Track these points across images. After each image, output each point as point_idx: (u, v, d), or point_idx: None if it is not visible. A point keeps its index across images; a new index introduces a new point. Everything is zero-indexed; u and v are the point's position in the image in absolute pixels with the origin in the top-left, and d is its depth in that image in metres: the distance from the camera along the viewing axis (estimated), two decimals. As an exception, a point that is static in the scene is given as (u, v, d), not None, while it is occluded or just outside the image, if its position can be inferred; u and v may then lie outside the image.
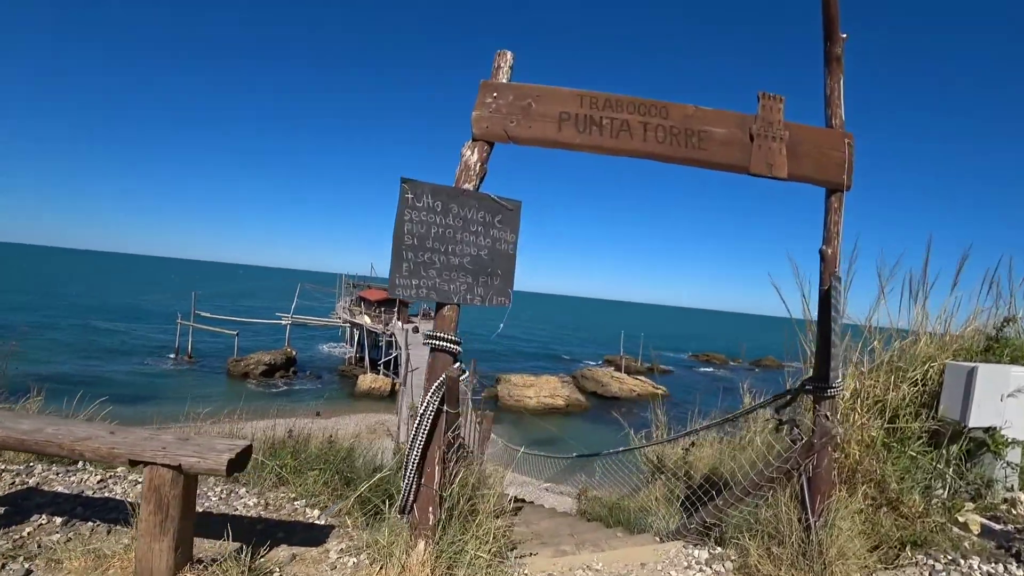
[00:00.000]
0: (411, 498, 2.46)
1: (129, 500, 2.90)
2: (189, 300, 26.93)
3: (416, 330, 31.93)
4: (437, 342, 2.51)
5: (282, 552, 2.60)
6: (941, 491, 3.15)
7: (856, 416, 3.19)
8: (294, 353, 28.09)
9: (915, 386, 3.46)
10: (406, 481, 2.43)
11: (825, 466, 2.68)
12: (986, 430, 3.23)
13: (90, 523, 2.71)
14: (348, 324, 32.03)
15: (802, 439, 2.76)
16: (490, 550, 2.51)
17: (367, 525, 2.84)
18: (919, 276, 3.78)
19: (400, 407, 12.89)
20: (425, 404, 2.44)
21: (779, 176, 2.74)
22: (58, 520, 2.69)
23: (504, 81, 2.75)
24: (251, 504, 3.19)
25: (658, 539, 3.38)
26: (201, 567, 2.18)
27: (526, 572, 2.73)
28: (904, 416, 3.30)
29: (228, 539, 2.47)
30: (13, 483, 3.07)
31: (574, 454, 6.09)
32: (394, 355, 26.06)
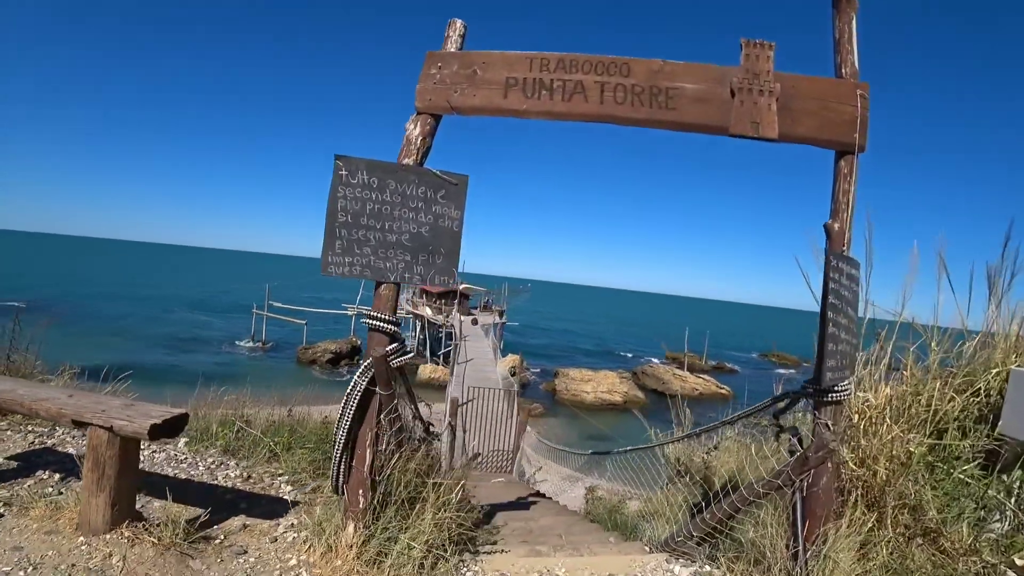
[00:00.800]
0: (340, 478, 2.40)
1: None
2: (263, 291, 29.25)
3: (475, 322, 32.49)
4: (372, 322, 2.43)
5: (237, 521, 2.65)
6: (998, 524, 2.56)
7: (887, 428, 2.61)
8: (359, 342, 29.55)
9: (976, 396, 2.78)
10: (333, 460, 2.38)
11: (823, 485, 2.27)
12: None
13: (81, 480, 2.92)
14: (410, 315, 33.16)
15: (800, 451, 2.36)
16: (427, 541, 2.39)
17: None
18: (994, 263, 2.93)
19: (447, 396, 13.13)
20: (352, 384, 2.37)
21: (768, 136, 2.35)
22: (57, 476, 2.90)
23: (452, 50, 2.61)
24: (233, 476, 3.30)
25: (647, 549, 3.10)
26: (140, 525, 2.24)
27: (476, 569, 2.59)
28: (952, 432, 2.67)
29: (195, 506, 2.57)
30: (33, 443, 3.37)
31: (590, 451, 5.82)
32: (453, 346, 26.68)
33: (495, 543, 3.17)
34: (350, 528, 2.33)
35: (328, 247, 2.45)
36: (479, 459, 11.08)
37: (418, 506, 2.50)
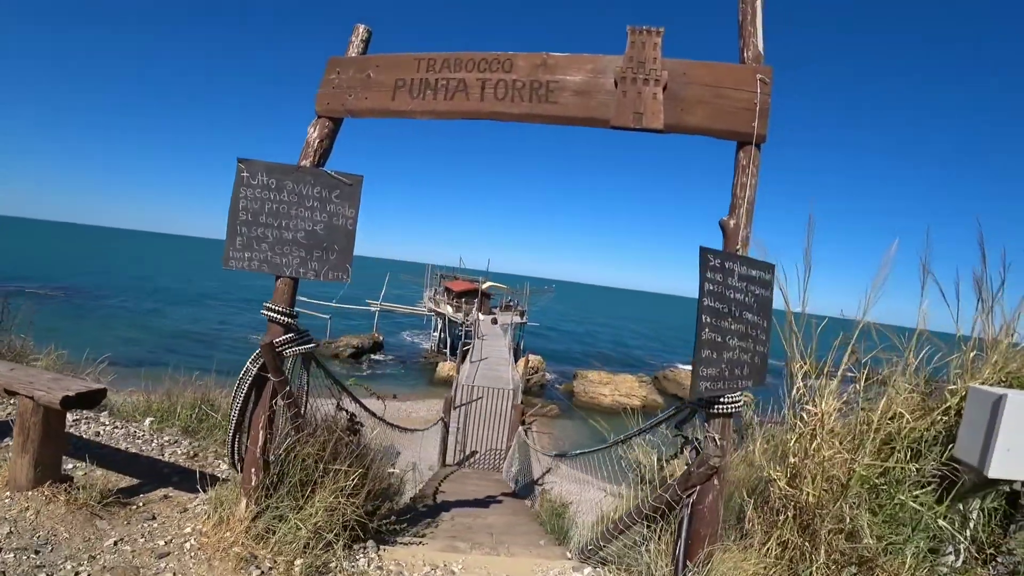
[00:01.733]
0: (235, 456, 2.59)
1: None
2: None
3: (495, 321, 32.68)
4: (268, 313, 2.60)
5: (162, 492, 2.87)
6: (951, 558, 2.39)
7: (825, 445, 2.39)
8: (381, 338, 30.25)
9: (946, 415, 2.53)
10: (228, 438, 2.56)
11: (708, 503, 2.20)
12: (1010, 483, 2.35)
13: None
14: (432, 313, 33.67)
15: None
16: (316, 524, 2.52)
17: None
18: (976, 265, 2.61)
19: (451, 394, 13.33)
20: (244, 370, 2.54)
21: (652, 127, 2.30)
22: (6, 442, 3.14)
23: (352, 55, 2.75)
24: (180, 453, 3.56)
25: (568, 556, 3.14)
26: (61, 486, 2.48)
27: (373, 557, 2.71)
28: (900, 452, 2.46)
29: (133, 476, 2.82)
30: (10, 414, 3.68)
31: (553, 452, 5.87)
32: (469, 344, 26.96)
33: (421, 536, 3.30)
34: (242, 503, 2.51)
35: (230, 243, 2.64)
36: (476, 457, 11.28)
37: (309, 489, 2.65)
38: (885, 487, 2.39)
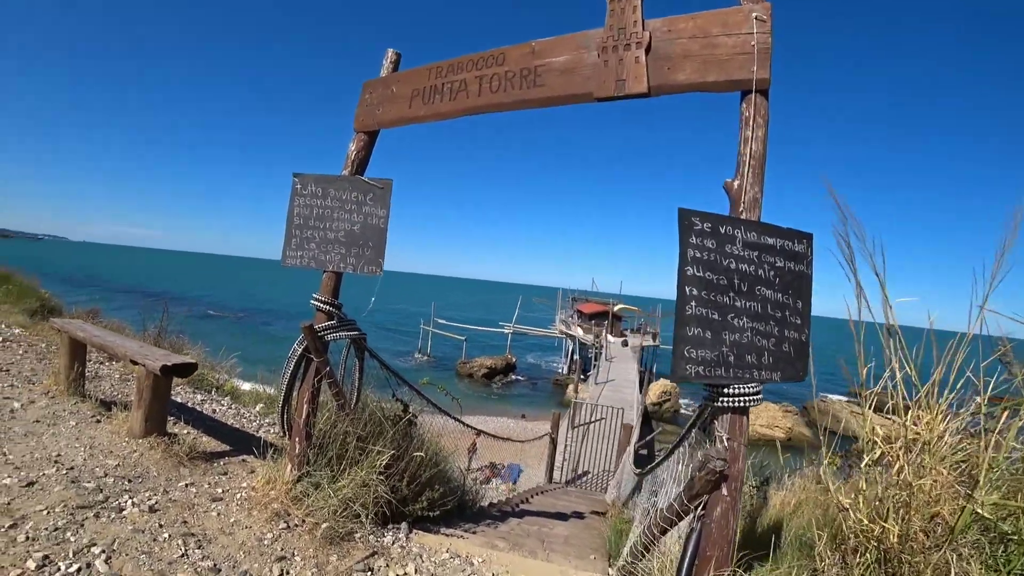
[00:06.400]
0: (284, 426, 3.00)
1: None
2: (430, 308, 33.16)
3: (625, 343, 31.66)
4: (315, 302, 3.00)
5: (242, 457, 3.37)
6: None
7: (927, 471, 1.83)
8: (513, 360, 31.29)
9: None
10: (278, 409, 2.99)
11: (716, 518, 1.88)
12: None
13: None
14: (564, 335, 33.88)
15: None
16: (345, 495, 2.78)
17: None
18: None
19: (571, 410, 13.25)
20: (291, 350, 2.95)
21: (636, 92, 2.17)
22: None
23: (383, 76, 3.12)
24: (273, 432, 4.19)
25: (609, 571, 2.98)
26: (164, 439, 3.13)
27: (400, 537, 2.86)
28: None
29: (229, 444, 3.45)
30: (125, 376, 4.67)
31: (638, 470, 5.48)
32: (594, 366, 26.44)
33: (469, 531, 3.36)
34: (287, 468, 2.89)
35: (287, 244, 3.12)
36: (587, 477, 10.96)
37: (345, 464, 2.92)
38: (1016, 537, 1.77)
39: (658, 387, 24.62)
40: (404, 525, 3.02)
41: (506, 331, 33.45)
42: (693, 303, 1.91)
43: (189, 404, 4.24)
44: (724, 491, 1.90)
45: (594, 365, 27.20)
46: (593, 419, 12.57)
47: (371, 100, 3.06)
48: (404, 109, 2.90)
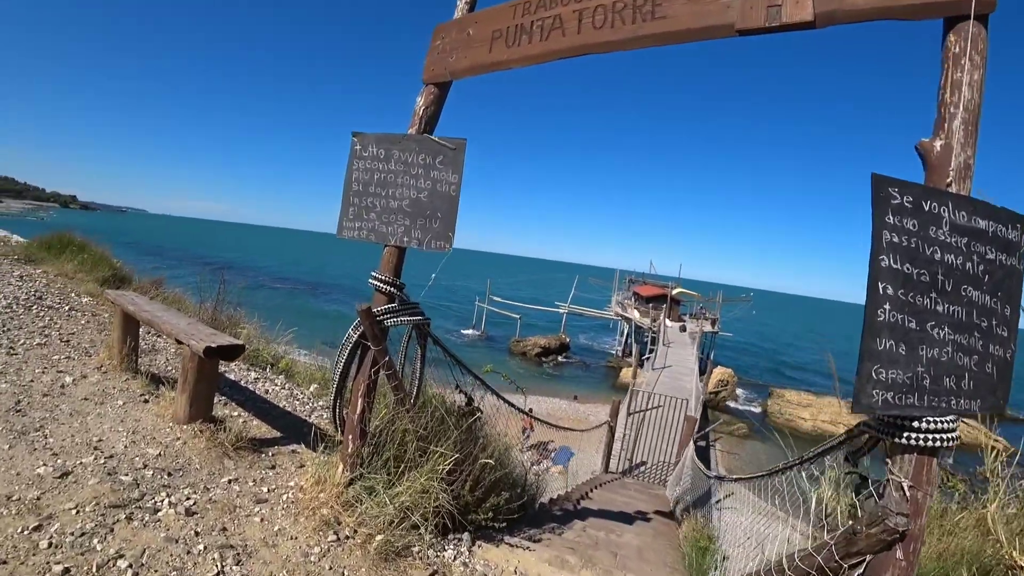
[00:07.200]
0: (336, 420, 2.66)
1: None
2: (478, 284, 32.97)
3: (683, 328, 30.29)
4: (373, 282, 2.62)
5: (292, 447, 3.12)
6: None
7: None
8: (567, 340, 30.76)
9: None
10: (330, 402, 2.66)
11: None
12: None
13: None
14: (619, 317, 32.92)
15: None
16: (402, 503, 2.43)
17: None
18: None
19: (627, 397, 12.69)
20: (346, 336, 2.59)
21: (797, 21, 1.62)
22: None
23: (456, 17, 2.62)
24: (326, 418, 3.92)
25: None
26: (209, 425, 2.89)
27: (462, 550, 2.53)
28: None
29: (279, 431, 3.22)
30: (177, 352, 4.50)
31: (714, 474, 4.89)
32: (651, 350, 25.52)
33: (535, 540, 3.03)
34: (339, 468, 2.56)
35: (343, 213, 2.74)
36: (643, 468, 10.40)
37: (403, 466, 2.56)
38: None
39: (715, 374, 23.43)
40: (466, 536, 2.66)
41: (561, 311, 32.91)
42: (887, 306, 1.38)
43: (242, 383, 4.05)
44: (899, 554, 1.42)
45: (651, 350, 26.23)
46: (651, 406, 11.93)
47: (443, 46, 2.57)
48: (483, 54, 2.40)
